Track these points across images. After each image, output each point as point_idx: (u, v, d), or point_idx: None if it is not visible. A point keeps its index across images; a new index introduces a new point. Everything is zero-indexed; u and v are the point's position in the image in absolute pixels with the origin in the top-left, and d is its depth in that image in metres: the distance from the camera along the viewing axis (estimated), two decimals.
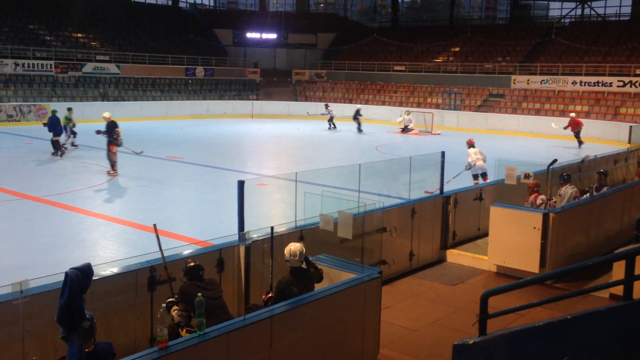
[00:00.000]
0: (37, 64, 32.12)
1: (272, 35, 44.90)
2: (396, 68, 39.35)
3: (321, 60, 43.93)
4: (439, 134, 29.31)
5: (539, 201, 9.30)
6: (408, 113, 30.25)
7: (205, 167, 18.14)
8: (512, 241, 8.46)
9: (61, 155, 18.68)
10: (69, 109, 21.03)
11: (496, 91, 34.62)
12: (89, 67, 34.16)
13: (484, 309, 4.48)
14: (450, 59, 39.50)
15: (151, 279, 5.52)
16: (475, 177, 14.05)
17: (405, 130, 29.37)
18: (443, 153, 9.51)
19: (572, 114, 25.35)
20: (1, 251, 9.36)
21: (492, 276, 8.65)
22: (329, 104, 32.31)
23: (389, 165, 16.53)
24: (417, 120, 30.09)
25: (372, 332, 5.68)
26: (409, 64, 39.20)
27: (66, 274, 3.73)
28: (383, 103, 37.29)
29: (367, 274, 5.68)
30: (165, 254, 5.50)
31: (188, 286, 5.23)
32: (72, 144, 20.64)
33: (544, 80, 33.12)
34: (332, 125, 30.56)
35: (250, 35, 44.94)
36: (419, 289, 8.10)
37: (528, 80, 33.71)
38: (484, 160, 14.02)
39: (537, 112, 31.43)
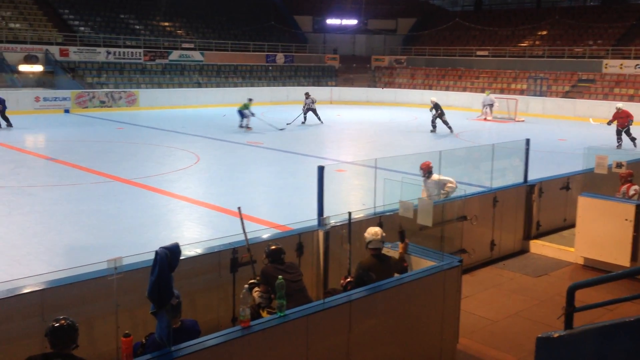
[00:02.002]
0: (127, 52, 33.60)
1: (352, 21, 44.71)
2: (479, 53, 38.24)
3: (401, 45, 43.35)
4: (522, 120, 28.31)
5: (631, 192, 8.82)
6: (488, 93, 29.43)
7: (284, 152, 18.40)
8: (602, 233, 8.08)
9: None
10: (250, 100, 23.69)
11: (586, 76, 32.96)
12: (175, 55, 35.38)
13: (570, 302, 4.31)
14: (537, 43, 37.94)
15: (233, 260, 5.68)
16: None
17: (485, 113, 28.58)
18: (528, 140, 9.20)
19: (619, 105, 20.49)
20: (95, 230, 9.92)
21: (579, 269, 8.31)
22: (309, 92, 26.60)
23: (470, 153, 16.17)
24: (500, 107, 29.18)
25: (451, 321, 5.61)
26: (492, 48, 37.99)
27: (156, 252, 3.91)
28: (464, 89, 36.38)
29: (447, 262, 5.60)
30: (247, 237, 5.66)
31: (269, 268, 5.35)
32: (247, 126, 22.90)
33: (638, 64, 31.23)
34: (305, 119, 25.54)
35: (330, 21, 44.95)
36: (500, 279, 7.91)
37: (621, 64, 31.87)
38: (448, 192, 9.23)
39: (631, 99, 29.66)
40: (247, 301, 4.30)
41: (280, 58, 39.95)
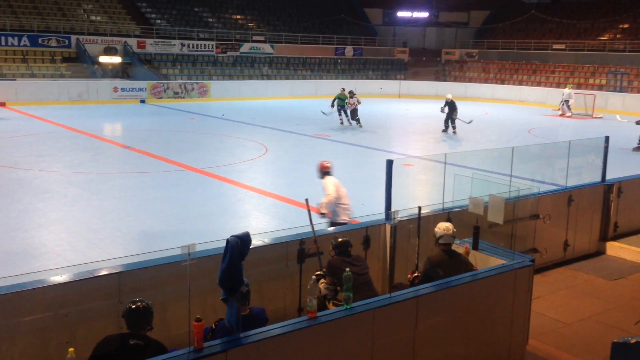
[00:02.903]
0: (200, 44, 34.45)
1: (423, 14, 44.08)
2: (555, 47, 36.90)
3: (473, 39, 42.38)
4: (600, 117, 27.15)
5: None
6: (570, 87, 28.29)
7: (352, 145, 18.40)
8: None
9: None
10: (349, 91, 22.49)
11: None
12: (245, 47, 35.99)
13: None
14: (618, 36, 36.20)
15: (300, 251, 5.74)
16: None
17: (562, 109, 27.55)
18: (607, 138, 8.82)
19: None
20: (167, 217, 10.25)
21: None
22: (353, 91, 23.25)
23: (544, 150, 15.65)
24: (577, 103, 28.08)
25: (521, 322, 5.47)
26: (569, 42, 36.57)
27: (227, 240, 3.99)
28: (538, 84, 35.20)
29: (518, 261, 5.45)
30: (314, 229, 5.70)
31: (336, 261, 5.38)
32: (348, 121, 22.23)
33: None
34: (353, 119, 22.37)
35: (401, 14, 44.48)
36: (574, 281, 7.63)
37: None
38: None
39: None
40: (314, 292, 4.34)
41: (349, 51, 39.90)
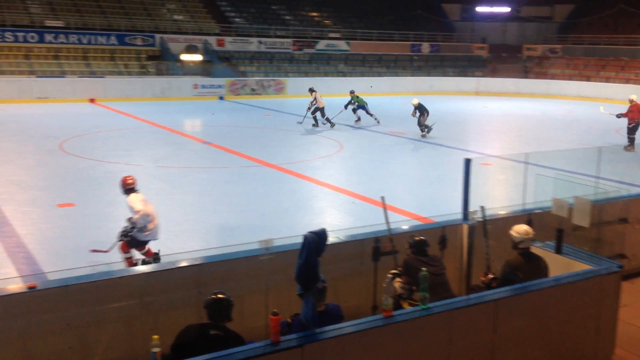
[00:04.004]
0: (277, 42, 34.96)
1: (503, 9, 42.81)
2: None
3: (557, 34, 40.76)
4: None
5: None
6: None
7: (427, 143, 18.15)
8: None
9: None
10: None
11: None
12: (321, 44, 36.21)
13: None
14: None
15: (376, 249, 5.71)
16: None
17: None
18: None
19: (633, 96, 17.39)
20: (244, 212, 10.47)
21: None
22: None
23: (635, 151, 14.89)
24: None
25: (607, 330, 5.22)
26: None
27: (305, 236, 4.03)
28: (627, 81, 33.42)
29: (604, 267, 5.21)
30: (390, 227, 5.66)
31: (412, 260, 5.32)
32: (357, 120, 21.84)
33: None
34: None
35: (480, 9, 43.39)
36: None
37: None
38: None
39: None
40: (390, 290, 4.31)
41: (425, 47, 39.35)
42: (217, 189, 12.02)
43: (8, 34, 28.20)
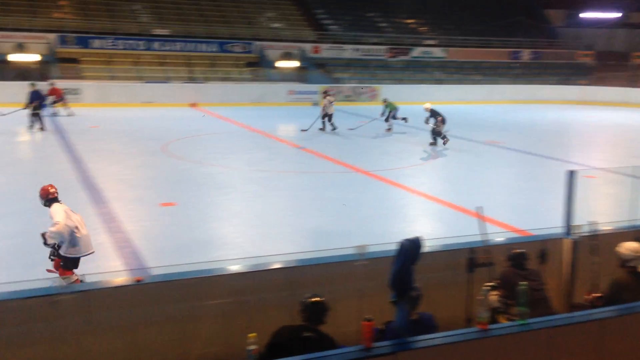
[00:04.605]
0: (372, 49, 35.02)
1: (611, 15, 40.58)
2: None
3: None
4: None
5: None
6: None
7: (526, 153, 17.51)
8: None
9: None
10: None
11: None
12: (417, 52, 35.88)
13: None
14: None
15: (470, 260, 5.56)
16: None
17: None
18: None
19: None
20: (336, 217, 10.52)
21: None
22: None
23: None
24: None
25: None
26: None
27: (401, 244, 4.00)
28: None
29: None
30: (487, 238, 5.50)
31: (510, 273, 5.16)
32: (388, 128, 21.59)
33: None
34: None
35: (586, 15, 41.37)
36: None
37: None
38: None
39: None
40: (487, 303, 4.19)
41: (526, 54, 38.02)
42: (309, 194, 12.19)
43: (120, 42, 30.06)
